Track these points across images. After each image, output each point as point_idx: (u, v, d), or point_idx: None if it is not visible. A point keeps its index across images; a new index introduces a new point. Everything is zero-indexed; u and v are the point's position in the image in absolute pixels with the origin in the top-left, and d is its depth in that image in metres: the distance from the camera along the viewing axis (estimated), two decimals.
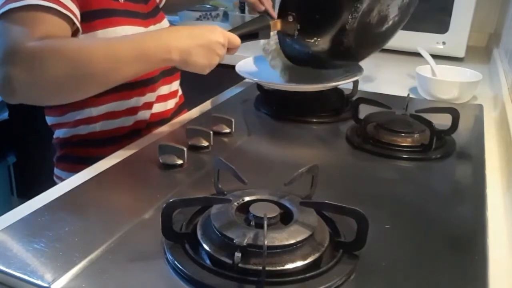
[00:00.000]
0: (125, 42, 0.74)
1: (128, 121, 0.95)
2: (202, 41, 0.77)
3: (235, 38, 0.83)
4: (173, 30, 0.78)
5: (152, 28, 0.96)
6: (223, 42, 0.80)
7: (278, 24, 0.92)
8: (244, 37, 0.86)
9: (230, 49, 0.83)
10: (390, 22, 0.95)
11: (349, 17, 0.88)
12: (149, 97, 0.97)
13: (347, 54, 0.97)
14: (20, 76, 0.68)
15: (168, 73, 1.02)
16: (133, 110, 0.94)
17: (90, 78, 0.71)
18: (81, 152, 0.96)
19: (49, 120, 0.97)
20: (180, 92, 1.12)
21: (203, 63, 0.78)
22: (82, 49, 0.71)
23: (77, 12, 0.79)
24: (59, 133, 0.97)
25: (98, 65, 0.70)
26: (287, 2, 0.92)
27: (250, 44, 0.89)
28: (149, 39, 0.75)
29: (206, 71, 0.80)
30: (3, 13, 0.72)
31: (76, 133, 0.94)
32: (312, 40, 0.92)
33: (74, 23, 0.78)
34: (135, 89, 0.93)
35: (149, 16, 0.97)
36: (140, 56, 0.73)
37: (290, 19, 0.91)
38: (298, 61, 1.01)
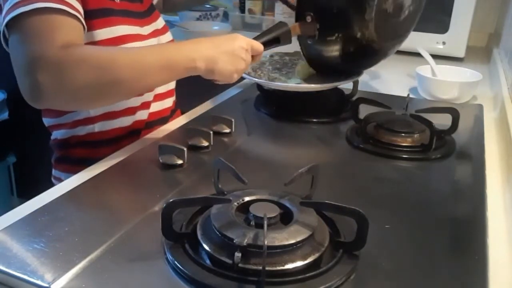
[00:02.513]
0: (150, 51, 0.76)
1: (126, 121, 0.95)
2: (225, 48, 0.78)
3: (258, 45, 0.84)
4: (196, 41, 0.79)
5: (147, 27, 0.96)
6: (246, 47, 0.81)
7: (297, 27, 0.93)
8: (267, 44, 0.87)
9: (254, 57, 0.84)
10: (407, 12, 0.96)
11: (366, 6, 0.89)
12: (147, 96, 0.96)
13: (371, 49, 0.97)
14: (48, 84, 0.69)
15: None
16: (131, 110, 0.94)
17: (115, 86, 0.73)
18: (79, 153, 0.96)
19: (46, 121, 0.97)
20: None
21: (230, 69, 0.78)
22: (107, 57, 0.72)
23: (82, 10, 0.79)
24: (57, 134, 0.97)
25: (124, 73, 0.72)
26: (302, 3, 0.93)
27: None
28: (173, 49, 0.77)
29: (234, 78, 0.81)
30: (14, 18, 0.72)
31: (74, 134, 0.94)
32: (334, 37, 0.93)
33: (81, 22, 0.78)
34: None
35: (145, 15, 0.97)
36: (165, 65, 0.74)
37: (309, 19, 0.92)
38: (325, 66, 1.01)
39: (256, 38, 0.86)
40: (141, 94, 0.94)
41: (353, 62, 1.01)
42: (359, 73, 1.03)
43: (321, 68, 1.03)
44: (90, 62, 0.71)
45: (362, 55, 0.99)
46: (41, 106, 0.75)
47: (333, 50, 0.96)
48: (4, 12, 0.73)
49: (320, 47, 0.96)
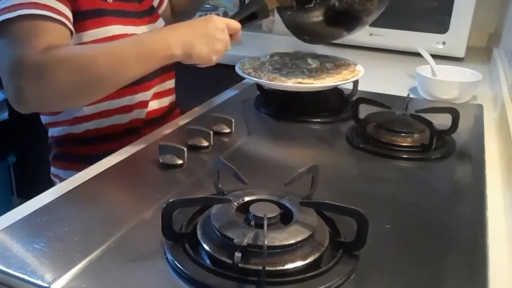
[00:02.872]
0: (126, 44, 0.76)
1: (122, 119, 0.95)
2: (200, 30, 0.78)
3: (234, 23, 0.85)
4: (170, 28, 0.80)
5: (144, 27, 0.96)
6: (221, 27, 0.81)
7: (274, 0, 0.91)
8: (244, 21, 0.87)
9: (233, 36, 0.84)
10: None
11: None
12: (144, 95, 0.96)
13: (352, 11, 0.93)
14: (30, 87, 0.70)
15: (161, 71, 1.01)
16: (127, 108, 0.94)
17: (96, 83, 0.74)
18: (77, 150, 0.96)
19: (44, 119, 0.98)
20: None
21: (207, 51, 0.79)
22: (86, 55, 0.73)
23: (69, 14, 0.80)
24: (53, 132, 0.97)
25: (103, 69, 0.72)
26: None
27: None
28: (148, 39, 0.78)
29: (213, 60, 0.81)
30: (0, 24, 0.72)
31: (70, 131, 0.94)
32: (312, 4, 0.91)
33: (68, 27, 0.79)
34: (128, 87, 0.93)
35: (144, 15, 0.97)
36: (142, 56, 0.75)
37: None
38: (309, 36, 0.97)
39: (232, 17, 0.87)
40: (135, 92, 0.94)
41: (338, 27, 0.97)
42: (359, 72, 1.03)
43: (308, 39, 1.00)
44: (69, 63, 0.72)
45: (346, 18, 0.95)
46: (26, 110, 0.75)
47: (314, 17, 0.93)
48: None
49: (300, 16, 0.93)
